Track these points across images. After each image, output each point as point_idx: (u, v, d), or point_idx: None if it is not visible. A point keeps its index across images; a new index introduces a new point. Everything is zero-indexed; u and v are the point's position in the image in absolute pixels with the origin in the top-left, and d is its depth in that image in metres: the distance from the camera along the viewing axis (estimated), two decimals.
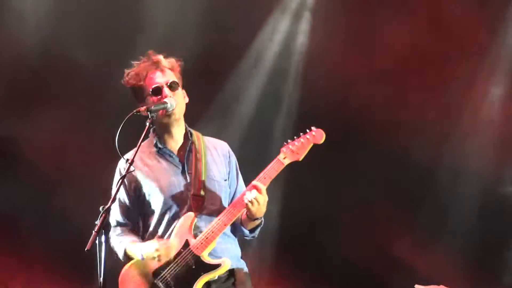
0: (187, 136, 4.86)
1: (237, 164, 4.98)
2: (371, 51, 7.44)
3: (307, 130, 4.69)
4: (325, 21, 7.52)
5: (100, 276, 4.06)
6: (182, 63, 4.91)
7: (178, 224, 4.67)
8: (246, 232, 4.83)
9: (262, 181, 4.62)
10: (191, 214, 4.68)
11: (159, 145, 4.82)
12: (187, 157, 4.80)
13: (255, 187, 4.58)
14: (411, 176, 7.43)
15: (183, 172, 4.77)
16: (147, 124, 4.50)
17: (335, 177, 7.34)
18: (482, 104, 7.47)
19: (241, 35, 7.53)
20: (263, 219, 4.75)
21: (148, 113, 4.52)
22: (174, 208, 4.71)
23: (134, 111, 4.48)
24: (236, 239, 4.87)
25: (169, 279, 4.62)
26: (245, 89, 7.76)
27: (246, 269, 4.83)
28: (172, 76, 4.81)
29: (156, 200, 4.73)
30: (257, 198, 4.56)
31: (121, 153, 4.51)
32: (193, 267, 4.60)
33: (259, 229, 4.83)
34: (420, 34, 7.34)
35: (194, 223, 4.67)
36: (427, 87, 7.46)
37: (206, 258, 4.62)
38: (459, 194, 7.46)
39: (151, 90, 4.76)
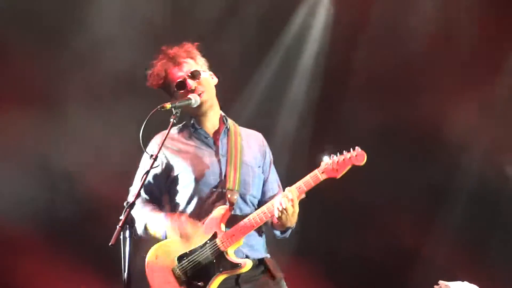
0: (222, 120, 4.86)
1: (271, 155, 4.96)
2: None
3: (351, 149, 4.58)
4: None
5: (124, 272, 4.08)
6: (198, 44, 4.88)
7: (211, 214, 4.65)
8: (277, 233, 4.82)
9: (297, 192, 4.55)
10: (225, 206, 4.66)
11: (196, 126, 4.81)
12: (222, 140, 4.80)
13: (286, 196, 4.53)
14: (431, 171, 7.40)
15: (217, 154, 4.76)
16: (171, 120, 4.52)
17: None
18: None
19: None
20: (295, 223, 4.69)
21: (173, 109, 4.53)
22: (205, 191, 4.70)
23: (158, 107, 4.48)
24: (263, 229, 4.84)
25: (188, 268, 4.61)
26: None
27: (268, 255, 4.81)
28: (191, 65, 4.80)
29: (187, 180, 4.71)
30: (287, 208, 4.51)
31: (145, 148, 4.52)
32: (214, 261, 4.60)
33: (290, 230, 4.80)
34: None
35: (227, 216, 4.65)
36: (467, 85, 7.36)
37: (229, 254, 4.61)
38: (483, 191, 7.42)
39: (175, 86, 4.78)
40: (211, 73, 4.89)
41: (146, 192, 4.81)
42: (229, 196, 4.67)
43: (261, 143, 4.94)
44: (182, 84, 4.76)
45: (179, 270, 4.62)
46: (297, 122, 7.72)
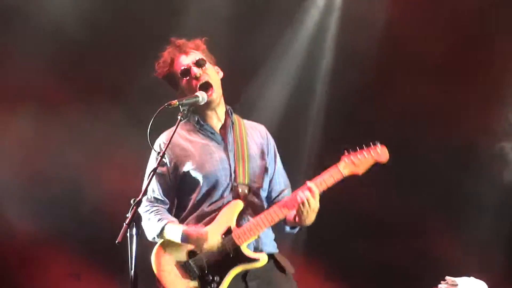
0: (228, 114, 4.84)
1: (275, 147, 4.93)
2: None
3: (371, 145, 4.55)
4: None
5: (131, 269, 4.06)
6: (207, 40, 4.87)
7: (224, 210, 4.64)
8: (287, 228, 4.80)
9: (318, 186, 4.53)
10: (238, 201, 4.64)
11: (201, 122, 4.79)
12: (229, 135, 4.78)
13: (309, 189, 4.50)
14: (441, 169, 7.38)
15: (225, 150, 4.74)
16: (179, 117, 4.49)
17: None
18: None
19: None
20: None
21: (180, 106, 4.51)
22: (215, 187, 4.68)
23: (166, 104, 4.46)
24: None
25: (204, 262, 4.59)
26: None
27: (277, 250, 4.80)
28: (198, 55, 4.79)
29: (196, 177, 4.70)
30: (309, 200, 4.48)
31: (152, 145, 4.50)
32: (231, 255, 4.58)
33: (299, 227, 4.79)
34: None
35: (240, 211, 4.63)
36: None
37: (245, 249, 4.59)
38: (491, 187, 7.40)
39: (179, 73, 4.76)
40: (217, 68, 4.87)
41: (158, 194, 4.79)
42: (240, 190, 4.66)
43: (264, 135, 4.92)
44: (187, 71, 4.75)
45: (192, 264, 4.61)
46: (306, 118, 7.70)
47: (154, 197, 4.79)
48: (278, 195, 4.83)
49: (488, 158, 7.29)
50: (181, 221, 4.73)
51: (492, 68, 7.26)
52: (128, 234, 4.06)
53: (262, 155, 4.82)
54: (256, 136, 4.88)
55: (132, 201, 4.13)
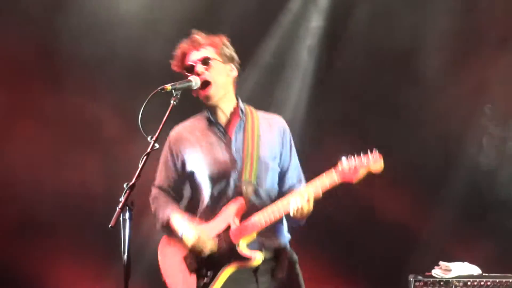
0: (238, 111, 4.80)
1: (292, 141, 4.87)
2: None
3: (367, 153, 4.50)
4: None
5: (124, 254, 4.05)
6: (226, 37, 4.83)
7: (226, 207, 4.65)
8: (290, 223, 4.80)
9: (313, 189, 4.52)
10: (240, 200, 4.64)
11: (211, 119, 4.77)
12: (237, 133, 4.75)
13: (303, 197, 4.50)
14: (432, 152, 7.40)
15: (230, 147, 4.72)
16: (172, 102, 4.46)
17: None
18: None
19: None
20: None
21: (173, 90, 4.47)
22: (220, 186, 4.67)
23: (159, 88, 4.42)
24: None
25: (200, 257, 4.62)
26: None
27: (288, 245, 4.78)
28: (208, 52, 4.75)
29: (201, 175, 4.70)
30: (303, 207, 4.50)
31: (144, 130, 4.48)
32: (226, 252, 4.59)
33: (304, 220, 4.73)
34: None
35: (242, 210, 4.63)
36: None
37: (241, 247, 4.59)
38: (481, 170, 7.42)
39: (184, 68, 4.77)
40: (232, 66, 4.81)
41: (168, 185, 4.81)
42: (244, 188, 4.65)
43: (281, 129, 4.84)
44: (191, 68, 4.73)
45: (191, 258, 4.63)
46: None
47: (162, 188, 4.82)
48: (288, 190, 4.79)
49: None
50: (194, 210, 4.75)
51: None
52: (121, 218, 4.05)
53: (274, 153, 4.77)
54: (269, 132, 4.81)
55: (125, 186, 4.12)
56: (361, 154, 4.52)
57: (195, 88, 4.66)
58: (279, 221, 4.70)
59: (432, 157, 7.40)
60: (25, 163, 7.19)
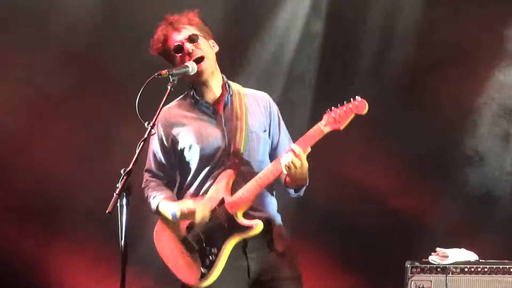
0: (225, 87, 4.80)
1: (279, 114, 4.89)
2: None
3: (351, 99, 4.54)
4: None
5: (121, 239, 4.06)
6: (200, 14, 4.83)
7: (216, 181, 4.64)
8: (291, 191, 4.79)
9: (301, 145, 4.51)
10: (229, 171, 4.63)
11: (196, 97, 4.77)
12: (225, 108, 4.75)
13: (292, 150, 4.49)
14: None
15: (219, 123, 4.72)
16: (169, 87, 4.46)
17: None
18: None
19: None
20: (307, 179, 4.66)
21: (170, 76, 4.47)
22: (211, 162, 4.67)
23: (155, 74, 4.42)
24: (274, 192, 4.81)
25: (200, 235, 4.60)
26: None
27: (280, 221, 4.78)
28: (190, 30, 4.76)
29: (192, 153, 4.69)
30: (293, 161, 4.47)
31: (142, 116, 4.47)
32: (225, 225, 4.57)
33: (304, 188, 4.77)
34: None
35: (232, 181, 4.63)
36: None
37: (239, 217, 4.57)
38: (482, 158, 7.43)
39: (172, 49, 4.75)
40: (212, 41, 4.84)
41: (159, 169, 4.81)
42: (235, 161, 4.64)
43: (267, 104, 4.86)
44: (180, 48, 4.72)
45: (190, 239, 4.62)
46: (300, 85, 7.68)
47: (153, 172, 4.81)
48: None
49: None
50: (182, 195, 4.74)
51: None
52: (118, 204, 4.05)
53: (263, 126, 4.79)
54: (256, 106, 4.83)
55: (122, 171, 4.13)
56: (344, 102, 4.56)
57: (191, 73, 4.65)
58: (269, 196, 4.73)
59: (432, 145, 7.41)
60: (18, 146, 7.21)
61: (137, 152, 4.26)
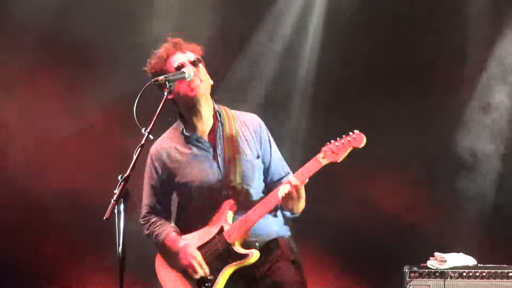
0: (215, 116, 4.83)
1: (269, 136, 4.93)
2: None
3: (349, 133, 4.58)
4: None
5: (118, 246, 4.07)
6: (201, 47, 4.90)
7: (217, 212, 4.70)
8: (287, 213, 4.82)
9: (299, 177, 4.57)
10: (230, 201, 4.70)
11: (185, 133, 4.80)
12: (217, 139, 4.79)
13: (289, 182, 4.56)
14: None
15: (214, 157, 4.77)
16: (165, 94, 4.49)
17: None
18: None
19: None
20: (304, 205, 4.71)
21: (167, 82, 4.51)
22: (210, 193, 4.72)
23: (152, 80, 4.48)
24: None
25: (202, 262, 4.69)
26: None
27: (289, 234, 4.85)
28: (194, 55, 4.81)
29: (189, 187, 4.74)
30: (291, 194, 4.55)
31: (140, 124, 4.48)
32: (222, 254, 4.64)
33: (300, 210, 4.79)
34: None
35: (232, 211, 4.69)
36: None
37: (236, 246, 4.64)
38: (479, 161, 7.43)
39: (175, 68, 4.76)
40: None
41: (156, 203, 4.88)
42: (232, 191, 4.71)
43: (257, 127, 4.90)
44: (182, 67, 4.75)
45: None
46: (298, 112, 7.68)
47: (151, 208, 4.88)
48: (276, 183, 4.83)
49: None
50: (181, 227, 4.82)
51: None
52: (115, 211, 4.06)
53: (255, 152, 4.82)
54: (247, 131, 4.87)
55: (119, 177, 4.14)
56: (343, 136, 4.60)
57: (188, 79, 4.67)
58: (269, 218, 4.75)
59: (429, 149, 7.41)
60: (20, 154, 7.21)
61: (134, 158, 4.26)
